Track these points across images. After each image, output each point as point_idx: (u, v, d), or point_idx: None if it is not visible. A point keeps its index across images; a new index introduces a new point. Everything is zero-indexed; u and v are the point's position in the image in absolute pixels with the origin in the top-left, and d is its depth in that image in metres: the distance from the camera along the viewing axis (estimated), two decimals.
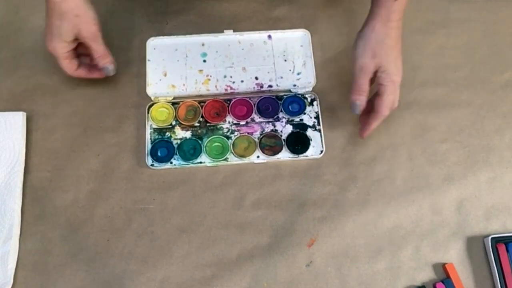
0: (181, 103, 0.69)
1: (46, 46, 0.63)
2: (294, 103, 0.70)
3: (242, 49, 0.72)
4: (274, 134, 0.68)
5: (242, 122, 0.69)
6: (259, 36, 0.72)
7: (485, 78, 0.72)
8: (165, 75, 0.70)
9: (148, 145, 0.67)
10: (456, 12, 0.75)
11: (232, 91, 0.70)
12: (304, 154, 0.67)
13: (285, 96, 0.70)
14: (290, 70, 0.71)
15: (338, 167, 0.67)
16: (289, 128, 0.69)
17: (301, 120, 0.69)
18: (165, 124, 0.68)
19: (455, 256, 0.63)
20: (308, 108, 0.70)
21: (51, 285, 0.62)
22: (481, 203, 0.66)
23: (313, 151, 0.68)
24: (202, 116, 0.69)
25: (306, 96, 0.71)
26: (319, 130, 0.69)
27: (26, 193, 0.66)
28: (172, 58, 0.71)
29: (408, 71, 0.72)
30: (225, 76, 0.70)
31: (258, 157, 0.67)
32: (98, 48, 0.64)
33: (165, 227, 0.65)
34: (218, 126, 0.69)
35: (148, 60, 0.70)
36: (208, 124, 0.69)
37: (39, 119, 0.70)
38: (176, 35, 0.72)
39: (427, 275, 0.63)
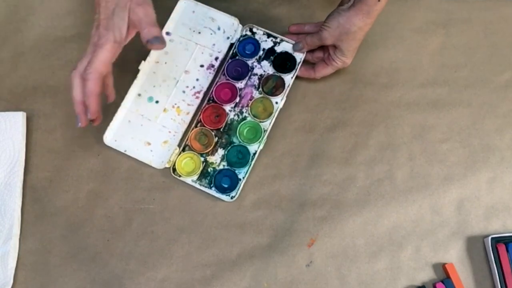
0: (187, 142, 0.67)
1: (98, 36, 0.56)
2: (246, 46, 0.70)
3: (165, 62, 0.70)
4: (266, 77, 0.69)
5: (237, 99, 0.68)
6: None
7: (485, 78, 0.72)
8: (149, 144, 0.67)
9: (212, 191, 0.65)
10: (456, 12, 0.75)
11: (202, 93, 0.69)
12: (299, 62, 0.68)
13: (234, 50, 0.70)
14: (211, 34, 0.70)
15: (338, 167, 0.67)
16: (266, 63, 0.69)
17: (264, 49, 0.70)
18: (200, 168, 0.66)
19: (455, 256, 0.64)
20: (256, 37, 0.70)
21: (51, 285, 0.62)
22: (481, 203, 0.66)
23: (294, 47, 0.69)
24: (213, 130, 0.67)
25: (244, 33, 0.70)
26: (281, 40, 0.70)
27: (26, 193, 0.66)
28: (136, 129, 0.67)
29: (408, 71, 0.72)
30: (183, 92, 0.69)
31: (276, 103, 0.68)
32: (147, 19, 0.56)
33: (165, 227, 0.65)
34: (228, 122, 0.68)
35: (125, 151, 0.67)
36: (221, 129, 0.68)
37: (39, 119, 0.70)
38: (115, 110, 0.67)
39: (427, 275, 0.63)
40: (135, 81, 0.68)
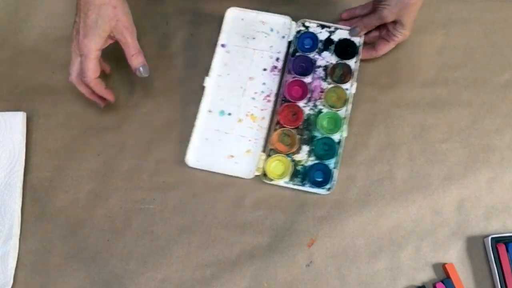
0: (271, 146, 0.66)
1: (78, 44, 0.60)
2: (304, 41, 0.70)
3: (228, 74, 0.70)
4: (332, 67, 0.69)
5: (309, 94, 0.68)
6: (219, 55, 0.70)
7: (485, 78, 0.72)
8: (232, 156, 0.66)
9: (307, 187, 0.65)
10: (456, 12, 0.75)
11: (272, 95, 0.69)
12: (359, 46, 0.69)
13: (294, 47, 0.70)
14: (266, 37, 0.71)
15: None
16: (327, 54, 0.70)
17: (321, 40, 0.70)
18: (291, 168, 0.65)
19: (455, 256, 0.64)
20: (311, 30, 0.70)
21: (51, 285, 0.62)
22: (481, 203, 0.66)
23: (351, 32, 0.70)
24: (293, 129, 0.67)
25: (298, 29, 0.71)
26: (335, 28, 0.70)
27: (26, 193, 0.66)
28: (215, 145, 0.67)
29: (408, 71, 0.72)
30: (253, 98, 0.69)
31: (347, 89, 0.68)
32: (134, 44, 0.61)
33: (165, 227, 0.65)
34: (305, 117, 0.68)
35: (210, 169, 0.66)
36: (301, 127, 0.67)
37: (39, 119, 0.70)
38: (187, 136, 0.67)
39: (427, 275, 0.63)
40: (203, 98, 0.68)
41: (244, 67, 0.70)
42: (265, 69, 0.70)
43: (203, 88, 0.68)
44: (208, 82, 0.69)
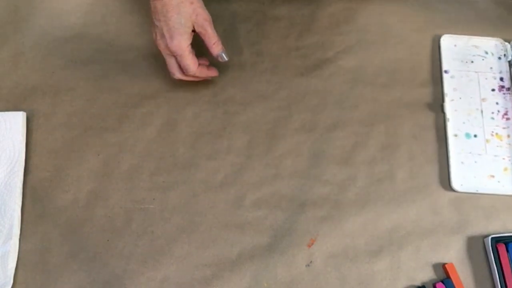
0: None
1: (168, 47, 0.62)
2: None
3: (460, 98, 0.70)
4: None
5: None
6: (446, 81, 0.71)
7: None
8: (492, 176, 0.67)
9: None
10: (456, 12, 0.75)
11: (509, 113, 0.69)
12: None
13: None
14: (483, 60, 0.72)
15: (338, 167, 0.67)
16: None
17: None
18: None
19: (455, 256, 0.63)
20: None
21: (51, 285, 0.62)
22: (481, 203, 0.66)
23: None
24: None
25: None
26: None
27: (26, 193, 0.66)
28: (472, 167, 0.67)
29: (408, 71, 0.72)
30: (492, 118, 0.69)
31: None
32: (214, 34, 0.64)
33: (165, 227, 0.65)
34: None
35: (477, 191, 0.66)
36: None
37: (39, 119, 0.70)
38: (443, 158, 0.68)
39: (427, 275, 0.63)
40: (447, 124, 0.69)
41: (472, 89, 0.71)
42: (493, 90, 0.71)
43: (442, 114, 0.70)
44: (447, 107, 0.70)
